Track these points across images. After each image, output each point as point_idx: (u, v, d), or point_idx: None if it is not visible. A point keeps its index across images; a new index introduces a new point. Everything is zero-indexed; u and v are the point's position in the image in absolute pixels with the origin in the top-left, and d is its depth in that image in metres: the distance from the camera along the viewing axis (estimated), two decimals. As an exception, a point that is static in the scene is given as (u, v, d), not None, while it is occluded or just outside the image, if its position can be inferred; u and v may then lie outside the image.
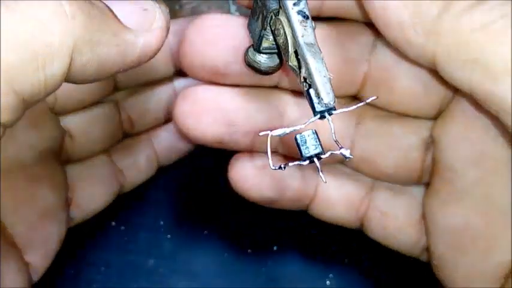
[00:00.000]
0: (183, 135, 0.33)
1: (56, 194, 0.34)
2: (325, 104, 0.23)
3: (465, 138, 0.28)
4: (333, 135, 0.24)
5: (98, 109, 0.37)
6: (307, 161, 0.24)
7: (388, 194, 0.33)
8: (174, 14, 0.43)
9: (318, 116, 0.24)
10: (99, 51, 0.23)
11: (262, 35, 0.27)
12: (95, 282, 0.39)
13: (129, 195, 0.40)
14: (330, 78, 0.23)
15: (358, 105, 0.25)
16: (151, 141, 0.40)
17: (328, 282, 0.39)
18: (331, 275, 0.40)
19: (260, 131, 0.24)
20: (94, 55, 0.23)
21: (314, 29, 0.25)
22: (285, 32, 0.25)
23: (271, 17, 0.25)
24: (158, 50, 0.27)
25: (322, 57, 0.24)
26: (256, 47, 0.27)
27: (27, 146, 0.33)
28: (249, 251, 0.40)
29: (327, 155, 0.24)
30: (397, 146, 0.31)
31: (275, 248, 0.40)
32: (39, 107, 0.33)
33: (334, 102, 0.23)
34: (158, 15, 0.26)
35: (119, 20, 0.24)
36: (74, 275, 0.39)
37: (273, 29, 0.26)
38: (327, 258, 0.40)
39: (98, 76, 0.24)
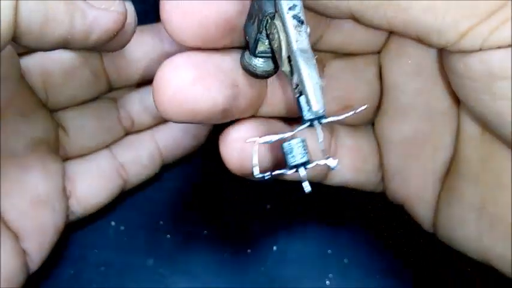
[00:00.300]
0: (181, 112, 0.27)
1: (49, 184, 0.35)
2: (315, 112, 0.23)
3: (404, 53, 0.30)
4: (321, 144, 0.24)
5: (93, 105, 0.38)
6: (293, 170, 0.24)
7: (348, 130, 0.34)
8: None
9: (308, 124, 0.24)
10: (47, 4, 0.23)
11: (257, 38, 0.26)
12: (94, 282, 0.39)
13: (129, 195, 0.40)
14: (321, 85, 0.23)
15: (349, 113, 0.26)
16: (154, 137, 0.40)
17: (328, 282, 0.39)
18: (331, 275, 0.40)
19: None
20: (41, 5, 0.23)
21: (309, 34, 0.24)
22: (279, 37, 0.24)
23: (267, 20, 0.25)
24: (112, 33, 0.27)
25: (315, 64, 0.23)
26: (252, 51, 0.27)
27: (17, 135, 0.34)
28: (249, 251, 0.40)
29: (313, 165, 0.24)
30: (361, 78, 0.32)
31: (275, 248, 0.40)
32: (29, 99, 0.34)
33: (324, 110, 0.23)
34: (118, 3, 0.26)
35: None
36: (74, 275, 0.39)
37: (268, 33, 0.25)
38: (327, 258, 0.40)
39: (42, 36, 0.24)
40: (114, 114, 0.39)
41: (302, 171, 0.25)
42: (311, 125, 0.24)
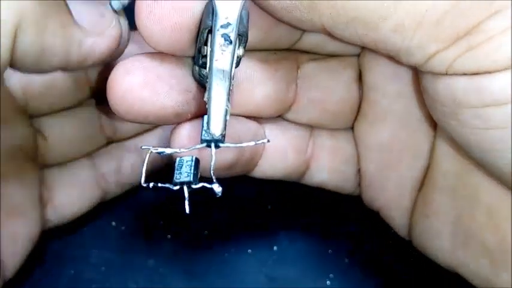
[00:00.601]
0: (131, 113, 0.27)
1: (25, 193, 0.34)
2: (212, 134, 0.23)
3: (381, 56, 0.30)
4: (211, 167, 0.24)
5: (74, 113, 0.37)
6: (177, 187, 0.24)
7: (328, 132, 0.34)
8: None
9: (204, 144, 0.24)
10: (44, 37, 0.23)
11: (200, 49, 0.26)
12: (94, 282, 0.39)
13: (129, 195, 0.40)
14: (227, 109, 0.23)
15: (249, 144, 0.26)
16: (137, 147, 0.39)
17: (328, 282, 0.39)
18: (331, 275, 0.40)
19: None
20: (38, 39, 0.23)
21: (240, 57, 0.24)
22: (207, 51, 0.24)
23: (207, 33, 0.25)
24: (108, 56, 0.27)
25: (228, 86, 0.23)
26: (196, 61, 0.27)
27: None
28: (249, 251, 0.40)
29: (198, 186, 0.24)
30: (338, 81, 0.32)
31: (275, 248, 0.40)
32: (7, 105, 0.34)
33: (222, 135, 0.23)
34: (115, 23, 0.26)
35: (71, 15, 0.24)
36: (74, 275, 0.39)
37: (202, 46, 0.25)
38: (327, 258, 0.40)
39: (38, 65, 0.24)
40: (96, 122, 0.38)
41: (185, 190, 0.24)
42: (208, 146, 0.24)
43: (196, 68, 0.27)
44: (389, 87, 0.31)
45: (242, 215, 0.41)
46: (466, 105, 0.24)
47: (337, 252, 0.40)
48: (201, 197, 0.41)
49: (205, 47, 0.25)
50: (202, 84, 0.27)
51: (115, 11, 0.28)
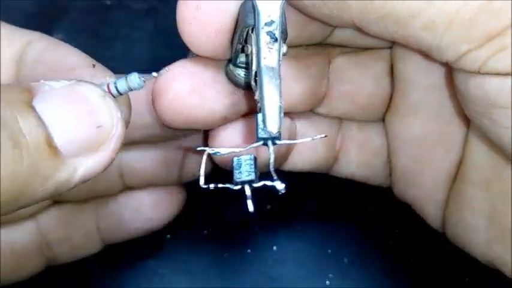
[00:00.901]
0: (179, 120, 0.27)
1: None
2: (269, 132, 0.23)
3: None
4: (271, 165, 0.24)
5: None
6: (239, 186, 0.24)
7: (357, 125, 0.34)
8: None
9: (261, 142, 0.24)
10: (28, 195, 0.20)
11: (238, 49, 0.26)
12: (95, 282, 0.39)
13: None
14: (281, 106, 0.23)
15: (306, 139, 0.26)
16: (96, 213, 0.35)
17: (328, 282, 0.39)
18: (331, 275, 0.40)
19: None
20: (22, 201, 0.20)
21: (284, 54, 0.24)
22: (252, 50, 0.24)
23: (247, 32, 0.25)
24: (102, 171, 0.23)
25: (279, 84, 0.23)
26: (233, 61, 0.27)
27: None
28: (249, 251, 0.40)
29: (259, 184, 0.24)
30: (369, 74, 0.32)
31: (275, 248, 0.40)
32: None
33: (279, 132, 0.23)
34: (114, 131, 0.22)
35: (56, 154, 0.20)
36: (75, 275, 0.39)
37: (244, 45, 0.25)
38: (327, 258, 0.40)
39: (21, 206, 0.21)
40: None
41: (247, 189, 0.24)
42: (265, 144, 0.24)
43: (230, 67, 0.27)
44: (422, 80, 0.30)
45: (241, 214, 0.41)
46: (499, 105, 0.24)
47: (337, 252, 0.40)
48: (201, 197, 0.41)
49: (248, 46, 0.25)
50: (237, 83, 0.27)
51: (119, 93, 0.24)
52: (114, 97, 0.23)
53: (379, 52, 0.32)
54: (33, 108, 0.20)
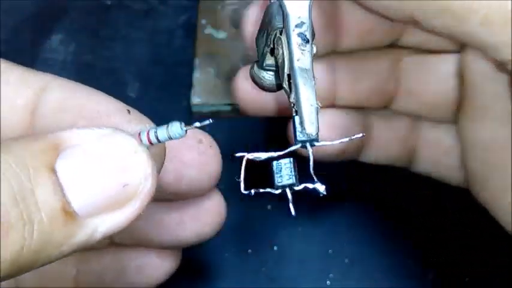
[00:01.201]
0: (255, 109, 0.33)
1: None
2: (308, 134, 0.23)
3: (481, 56, 0.30)
4: (311, 167, 0.24)
5: None
6: (279, 190, 0.24)
7: (431, 124, 0.35)
8: (214, 14, 0.45)
9: (299, 145, 0.23)
10: (41, 261, 0.18)
11: (265, 52, 0.26)
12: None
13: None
14: (317, 107, 0.23)
15: (344, 139, 0.25)
16: (75, 268, 0.32)
17: (328, 282, 0.39)
18: (331, 275, 0.40)
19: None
20: (35, 266, 0.18)
21: (314, 54, 0.24)
22: (283, 53, 0.24)
23: (275, 34, 0.25)
24: (127, 226, 0.20)
25: (314, 85, 0.23)
26: (260, 63, 0.27)
27: None
28: (249, 251, 0.40)
29: (300, 187, 0.23)
30: (437, 74, 0.33)
31: (275, 248, 0.40)
32: None
33: (317, 133, 0.23)
34: (142, 188, 0.19)
35: (73, 218, 0.18)
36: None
37: (273, 47, 0.25)
38: (327, 258, 0.40)
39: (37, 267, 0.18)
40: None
41: (288, 193, 0.24)
42: (303, 147, 0.24)
43: (255, 70, 0.27)
44: (488, 87, 0.31)
45: (242, 214, 0.41)
46: None
47: (337, 252, 0.40)
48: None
49: (278, 48, 0.25)
50: (262, 86, 0.28)
51: (158, 142, 0.21)
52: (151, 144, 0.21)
53: (448, 55, 0.32)
54: (54, 173, 0.18)
